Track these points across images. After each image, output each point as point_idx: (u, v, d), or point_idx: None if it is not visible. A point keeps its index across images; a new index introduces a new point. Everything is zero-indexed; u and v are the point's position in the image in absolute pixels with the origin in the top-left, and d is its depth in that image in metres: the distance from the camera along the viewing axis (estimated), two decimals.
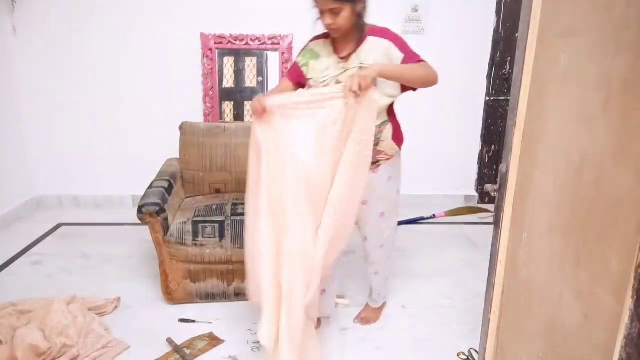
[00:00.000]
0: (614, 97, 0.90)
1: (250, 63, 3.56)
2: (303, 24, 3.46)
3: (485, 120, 3.85)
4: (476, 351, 1.98)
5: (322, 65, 1.89)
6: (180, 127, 2.85)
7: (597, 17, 0.97)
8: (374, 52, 1.81)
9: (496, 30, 3.65)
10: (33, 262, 2.88)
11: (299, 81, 1.95)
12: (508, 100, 3.11)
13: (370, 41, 1.82)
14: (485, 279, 1.49)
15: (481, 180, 3.99)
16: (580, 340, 1.01)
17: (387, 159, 2.00)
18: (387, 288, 2.41)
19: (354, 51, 1.83)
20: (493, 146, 3.92)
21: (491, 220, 1.27)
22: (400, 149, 2.05)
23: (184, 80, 3.56)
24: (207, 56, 3.49)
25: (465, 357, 2.05)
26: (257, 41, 3.49)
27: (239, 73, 3.56)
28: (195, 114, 3.57)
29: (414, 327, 2.26)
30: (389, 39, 1.81)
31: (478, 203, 4.00)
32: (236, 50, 3.52)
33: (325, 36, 1.93)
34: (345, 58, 1.85)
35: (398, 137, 2.02)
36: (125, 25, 3.48)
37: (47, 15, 3.43)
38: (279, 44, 3.50)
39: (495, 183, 1.42)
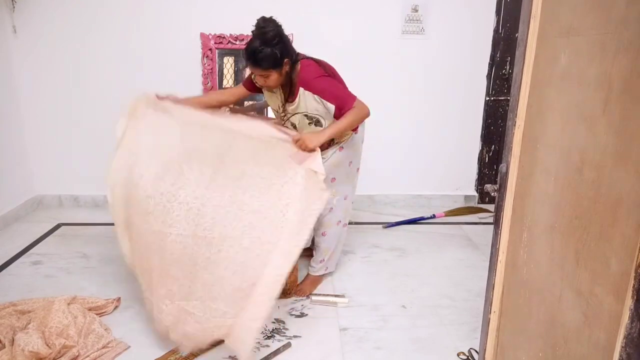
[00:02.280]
0: (614, 97, 0.90)
1: None
2: (303, 24, 3.49)
3: (485, 120, 3.85)
4: (476, 351, 1.98)
5: (275, 102, 2.30)
6: None
7: (597, 17, 0.97)
8: (308, 101, 2.16)
9: (496, 30, 3.65)
10: (33, 262, 2.88)
11: (252, 90, 2.34)
12: (508, 100, 3.12)
13: (302, 93, 2.15)
14: (485, 279, 1.50)
15: (481, 180, 3.99)
16: (580, 340, 1.01)
17: (344, 141, 2.33)
18: (333, 259, 2.57)
19: (292, 101, 2.19)
20: (493, 146, 3.92)
21: (491, 220, 1.27)
22: (355, 133, 2.34)
23: (184, 80, 3.56)
24: (207, 56, 3.49)
25: (465, 357, 2.05)
26: None
27: (239, 73, 3.57)
28: None
29: (414, 327, 2.26)
30: (315, 92, 2.12)
31: (478, 203, 4.00)
32: (236, 50, 3.52)
33: None
34: (289, 104, 2.22)
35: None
36: (125, 25, 3.48)
37: (47, 15, 3.43)
38: None
39: (495, 183, 1.42)
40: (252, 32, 2.07)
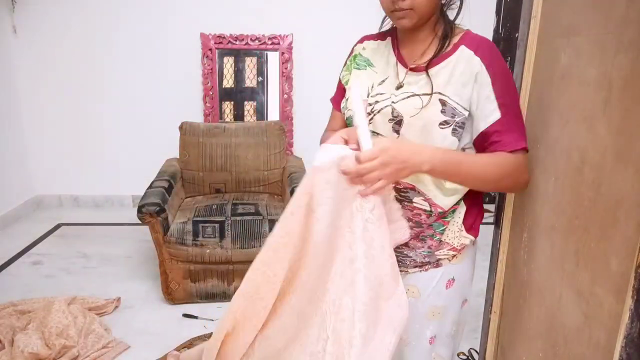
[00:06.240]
0: (614, 97, 0.90)
1: (250, 63, 3.56)
2: (303, 24, 3.49)
3: None
4: (476, 351, 1.98)
5: (373, 78, 1.18)
6: (180, 127, 2.85)
7: (597, 17, 0.96)
8: (456, 75, 1.10)
9: (496, 30, 3.65)
10: (33, 262, 2.88)
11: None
12: None
13: (462, 53, 1.12)
14: (485, 279, 1.49)
15: None
16: (580, 340, 1.01)
17: (454, 255, 1.22)
18: None
19: (435, 57, 1.12)
20: None
21: (491, 220, 1.27)
22: (475, 239, 1.24)
23: (184, 80, 3.56)
24: (207, 56, 3.49)
25: (465, 357, 2.05)
26: (257, 41, 3.49)
27: (239, 73, 3.56)
28: (195, 114, 3.57)
29: None
30: (485, 62, 1.11)
31: None
32: (236, 50, 3.52)
33: (381, 36, 1.24)
34: (418, 69, 1.13)
35: (472, 221, 1.22)
36: (125, 26, 3.48)
37: (47, 15, 3.43)
38: (279, 44, 3.50)
39: None
40: None
